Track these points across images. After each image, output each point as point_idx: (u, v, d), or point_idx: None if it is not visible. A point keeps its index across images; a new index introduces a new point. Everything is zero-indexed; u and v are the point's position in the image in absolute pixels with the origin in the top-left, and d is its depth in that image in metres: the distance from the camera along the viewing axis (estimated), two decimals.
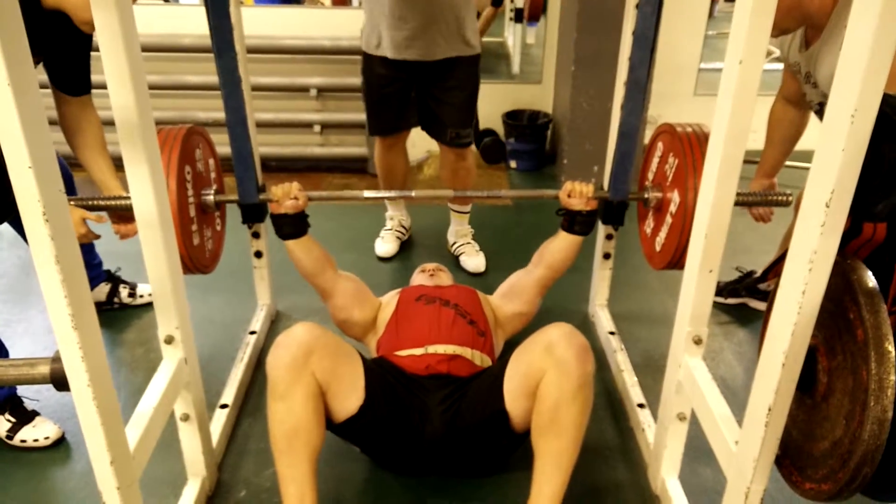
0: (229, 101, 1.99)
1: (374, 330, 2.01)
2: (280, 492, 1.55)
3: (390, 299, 2.06)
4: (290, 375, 1.50)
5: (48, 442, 1.90)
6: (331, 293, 2.04)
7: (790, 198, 1.93)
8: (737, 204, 1.74)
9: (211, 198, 2.02)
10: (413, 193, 2.27)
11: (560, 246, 2.09)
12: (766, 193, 1.93)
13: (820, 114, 2.13)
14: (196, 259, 1.93)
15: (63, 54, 1.94)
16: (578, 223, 2.04)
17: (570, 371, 1.49)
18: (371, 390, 1.62)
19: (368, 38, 2.63)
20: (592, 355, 1.56)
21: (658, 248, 2.05)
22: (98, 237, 2.02)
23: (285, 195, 1.98)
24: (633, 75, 1.98)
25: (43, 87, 1.13)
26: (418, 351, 1.80)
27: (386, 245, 3.05)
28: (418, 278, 2.27)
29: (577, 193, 2.03)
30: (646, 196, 2.07)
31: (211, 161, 2.11)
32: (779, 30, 1.98)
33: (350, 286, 2.06)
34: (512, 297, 2.12)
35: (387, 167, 2.96)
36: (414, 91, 2.69)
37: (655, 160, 2.11)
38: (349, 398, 1.60)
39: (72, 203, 1.82)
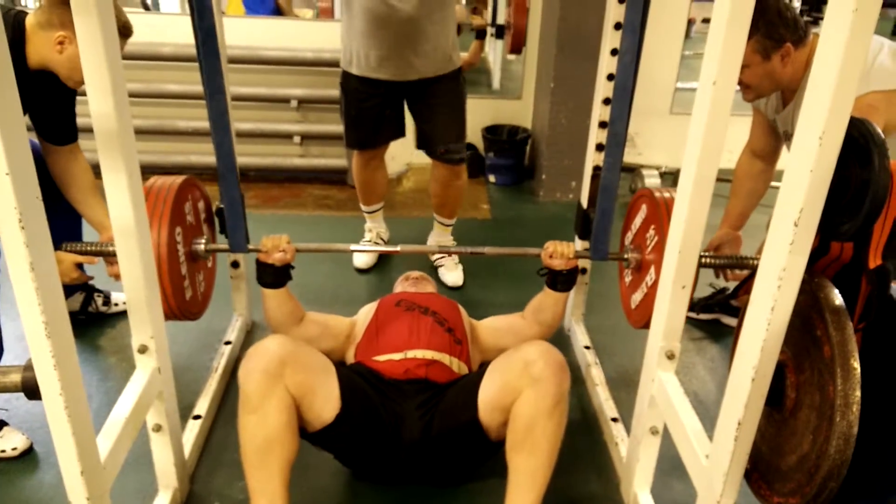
0: (221, 147, 1.95)
1: (352, 339, 2.01)
2: None
3: (368, 309, 2.07)
4: (263, 388, 1.49)
5: (16, 453, 1.87)
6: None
7: (754, 262, 1.90)
8: (703, 266, 1.74)
9: (202, 247, 2.03)
10: (399, 248, 2.22)
11: (548, 303, 2.06)
12: (733, 257, 1.92)
13: None
14: (186, 310, 1.92)
15: (49, 109, 1.99)
16: (560, 282, 2.03)
17: (547, 390, 1.50)
18: (347, 400, 1.61)
19: (344, 55, 2.63)
20: (569, 373, 1.57)
21: (633, 307, 2.05)
22: (90, 279, 2.02)
23: (274, 247, 1.95)
24: (612, 129, 1.94)
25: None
26: (397, 356, 1.80)
27: (364, 256, 3.01)
28: (400, 286, 2.28)
29: (558, 255, 2.01)
30: (626, 256, 2.08)
31: (201, 204, 2.10)
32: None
33: (312, 332, 2.00)
34: (508, 335, 2.07)
35: (364, 181, 2.95)
36: (390, 108, 2.68)
37: (635, 223, 2.10)
38: (324, 409, 1.59)
39: (67, 249, 1.84)
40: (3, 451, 1.86)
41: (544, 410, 1.51)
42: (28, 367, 1.11)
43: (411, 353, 1.80)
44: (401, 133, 2.81)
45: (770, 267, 1.09)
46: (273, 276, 1.95)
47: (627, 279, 2.14)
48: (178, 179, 1.92)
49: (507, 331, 2.11)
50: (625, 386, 2.25)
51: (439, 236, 3.07)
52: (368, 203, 3.07)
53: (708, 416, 1.44)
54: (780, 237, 1.06)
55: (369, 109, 2.67)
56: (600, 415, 2.13)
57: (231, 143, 1.96)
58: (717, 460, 1.29)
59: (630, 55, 1.82)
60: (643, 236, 2.02)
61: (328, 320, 2.07)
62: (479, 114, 4.21)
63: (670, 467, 1.82)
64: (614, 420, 2.05)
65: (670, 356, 1.59)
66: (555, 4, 3.64)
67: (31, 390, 1.11)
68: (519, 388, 1.53)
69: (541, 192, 3.98)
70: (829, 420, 1.06)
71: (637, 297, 2.02)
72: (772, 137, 2.27)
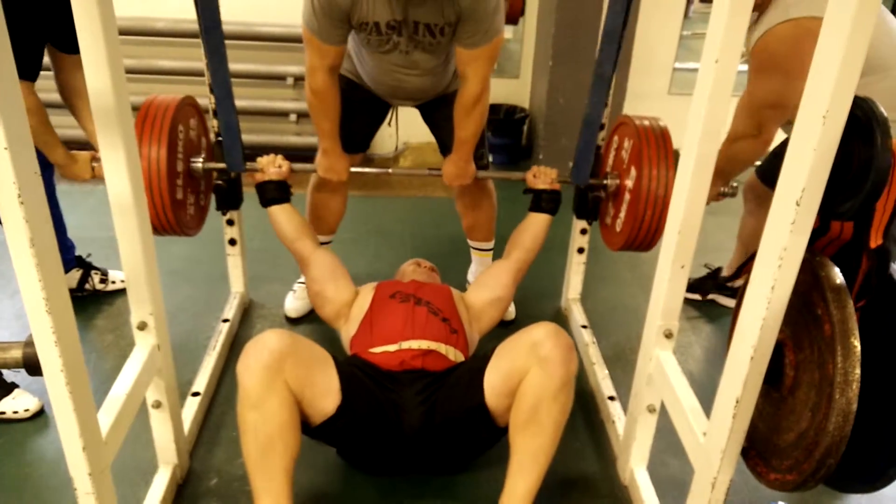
0: (216, 76, 2.03)
1: (347, 320, 1.99)
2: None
3: (366, 292, 2.04)
4: (262, 383, 1.45)
5: (28, 414, 1.91)
6: (308, 261, 2.06)
7: (735, 189, 2.12)
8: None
9: (200, 165, 2.12)
10: (390, 170, 2.34)
11: (527, 226, 2.20)
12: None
13: None
14: (181, 219, 2.01)
15: (65, 12, 1.94)
16: (544, 200, 2.20)
17: (554, 371, 1.50)
18: (347, 391, 1.60)
19: (346, 64, 2.21)
20: (576, 355, 1.57)
21: (618, 229, 2.20)
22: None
23: (270, 163, 2.12)
24: (599, 70, 2.08)
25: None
26: (392, 347, 1.79)
27: (297, 302, 2.49)
28: (410, 271, 2.22)
29: (541, 174, 2.22)
30: (605, 182, 2.23)
31: (201, 133, 2.18)
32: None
33: (328, 259, 2.06)
34: (486, 284, 2.10)
35: (317, 203, 2.44)
36: (378, 114, 2.38)
37: (613, 151, 2.26)
38: (324, 403, 1.57)
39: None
40: (16, 413, 1.90)
41: (550, 391, 1.50)
42: (29, 343, 1.11)
43: (406, 344, 1.78)
44: (363, 148, 2.44)
45: (771, 246, 1.09)
46: (275, 189, 2.10)
47: (609, 215, 2.30)
48: (181, 96, 2.04)
49: (486, 280, 2.12)
50: (622, 365, 2.27)
51: (481, 265, 2.66)
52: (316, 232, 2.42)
53: (704, 395, 1.45)
54: (781, 216, 1.06)
55: (367, 112, 2.33)
56: (597, 393, 2.15)
57: (226, 72, 2.03)
58: (714, 437, 1.30)
59: (620, 4, 1.95)
60: (623, 164, 2.17)
61: (337, 275, 2.03)
62: None
63: (666, 445, 1.84)
64: (611, 398, 2.06)
65: (668, 335, 1.60)
66: None
67: (33, 366, 1.11)
68: (525, 369, 1.52)
69: None
70: (828, 397, 1.07)
71: (616, 222, 2.20)
72: None
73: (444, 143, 2.39)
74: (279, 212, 2.09)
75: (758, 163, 2.34)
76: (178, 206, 2.01)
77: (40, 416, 1.93)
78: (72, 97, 2.15)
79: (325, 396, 1.57)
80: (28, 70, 1.85)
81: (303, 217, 2.13)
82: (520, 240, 2.17)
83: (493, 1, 1.90)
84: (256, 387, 1.46)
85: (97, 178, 2.05)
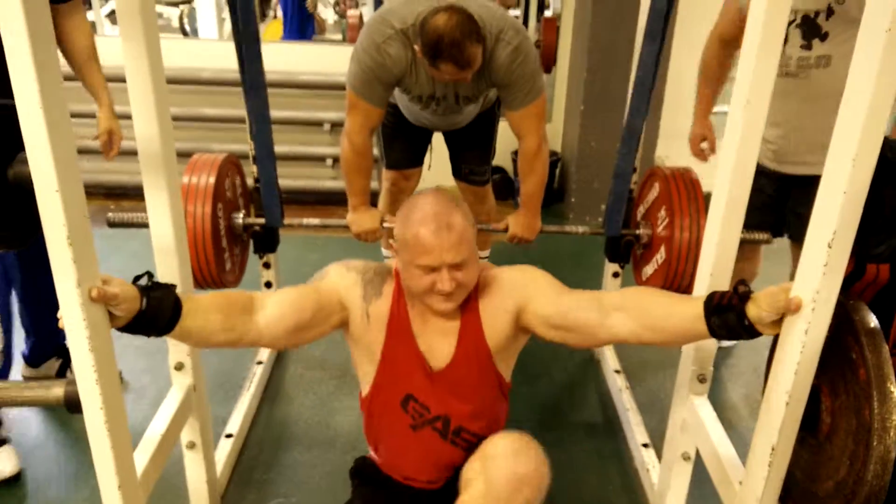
0: (259, 135, 2.10)
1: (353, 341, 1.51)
2: None
3: (369, 320, 1.48)
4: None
5: (1, 477, 1.84)
6: (252, 331, 1.32)
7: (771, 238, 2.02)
8: None
9: (240, 221, 2.18)
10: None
11: (674, 311, 1.30)
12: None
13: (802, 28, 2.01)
14: (223, 275, 2.07)
15: None
16: (718, 325, 1.21)
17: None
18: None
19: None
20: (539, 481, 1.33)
21: (644, 279, 2.20)
22: None
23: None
24: (630, 121, 2.09)
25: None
26: (403, 476, 1.56)
27: None
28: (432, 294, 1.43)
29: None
30: (637, 232, 2.23)
31: (241, 190, 2.26)
32: None
33: (275, 310, 1.34)
34: (582, 314, 1.37)
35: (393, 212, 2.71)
36: (422, 134, 2.53)
37: (647, 201, 2.26)
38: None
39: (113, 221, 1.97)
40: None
41: None
42: (70, 382, 1.14)
43: (424, 478, 1.54)
44: (420, 162, 2.59)
45: (804, 289, 1.08)
46: (145, 326, 1.17)
47: (639, 252, 2.29)
48: (224, 154, 2.12)
49: (584, 310, 1.37)
50: (656, 412, 2.23)
51: None
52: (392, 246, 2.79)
53: (740, 442, 1.42)
54: (813, 259, 1.05)
55: (410, 133, 2.47)
56: (631, 440, 2.11)
57: (269, 130, 2.11)
58: (750, 486, 1.27)
59: (650, 59, 1.96)
60: (654, 214, 2.17)
61: (295, 307, 1.37)
62: (509, 136, 4.20)
63: (701, 494, 1.79)
64: (645, 445, 2.03)
65: (702, 380, 1.58)
66: (585, 27, 3.67)
67: (73, 404, 1.14)
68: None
69: (570, 214, 3.97)
70: (865, 445, 1.05)
71: (648, 270, 2.18)
72: (739, 26, 2.13)
73: (453, 157, 2.59)
74: (185, 326, 1.21)
75: None
76: (220, 262, 2.06)
77: (16, 481, 1.85)
78: (64, 42, 1.94)
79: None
80: None
81: (211, 308, 1.26)
82: (661, 324, 1.31)
83: (529, 66, 1.98)
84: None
85: None
